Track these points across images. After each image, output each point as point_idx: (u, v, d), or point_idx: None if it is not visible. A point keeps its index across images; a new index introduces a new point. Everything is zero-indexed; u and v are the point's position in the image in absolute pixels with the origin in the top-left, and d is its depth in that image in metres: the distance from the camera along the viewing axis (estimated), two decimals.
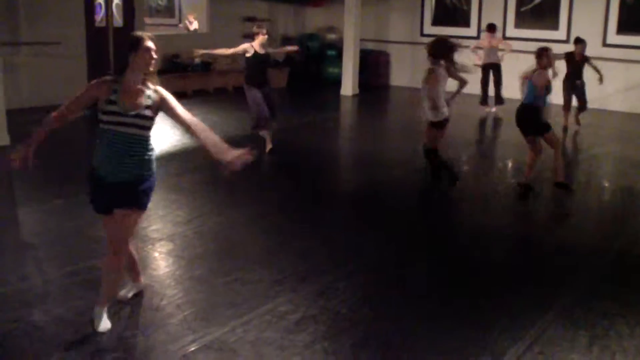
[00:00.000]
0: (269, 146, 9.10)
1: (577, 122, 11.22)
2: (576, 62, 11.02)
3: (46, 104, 11.89)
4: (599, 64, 12.54)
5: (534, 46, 13.85)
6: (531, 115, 7.27)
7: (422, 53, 15.55)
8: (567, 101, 11.17)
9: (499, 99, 12.50)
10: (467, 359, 4.07)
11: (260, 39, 8.99)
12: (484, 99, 12.70)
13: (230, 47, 9.17)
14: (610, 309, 4.79)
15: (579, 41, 11.10)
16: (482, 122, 12.32)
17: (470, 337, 4.34)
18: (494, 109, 12.51)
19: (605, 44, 13.44)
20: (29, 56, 11.91)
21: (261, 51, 9.04)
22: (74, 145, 9.87)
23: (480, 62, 12.42)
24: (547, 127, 7.30)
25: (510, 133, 10.92)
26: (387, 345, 4.25)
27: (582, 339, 4.35)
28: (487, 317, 4.64)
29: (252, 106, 9.09)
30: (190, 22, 16.11)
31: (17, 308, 4.55)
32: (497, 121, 12.23)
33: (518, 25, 14.55)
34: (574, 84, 11.02)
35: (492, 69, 12.53)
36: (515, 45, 14.45)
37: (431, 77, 7.32)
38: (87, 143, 10.20)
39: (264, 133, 9.12)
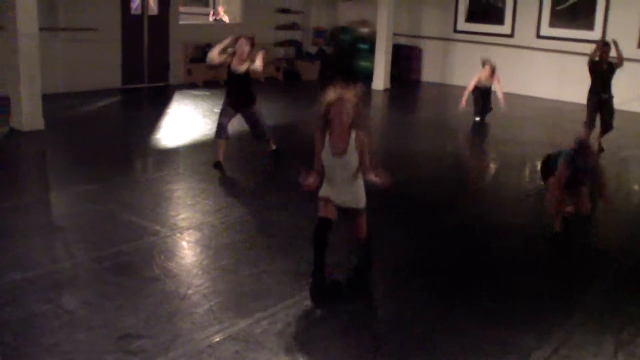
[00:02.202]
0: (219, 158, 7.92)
1: (600, 147, 9.50)
2: (602, 70, 9.57)
3: (80, 89, 12.13)
4: (635, 66, 12.36)
5: (568, 46, 13.88)
6: None
7: (455, 49, 15.62)
8: (591, 118, 9.57)
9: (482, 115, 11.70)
10: (491, 358, 4.06)
11: (239, 52, 7.70)
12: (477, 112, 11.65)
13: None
14: (637, 314, 4.75)
15: (604, 45, 9.71)
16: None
17: (495, 336, 4.33)
18: (477, 118, 11.61)
19: None
20: (65, 42, 12.05)
21: (237, 68, 7.71)
22: (106, 130, 9.99)
23: (464, 103, 11.35)
24: None
25: (532, 134, 10.82)
26: (409, 340, 4.25)
27: (608, 344, 4.31)
28: (512, 317, 4.62)
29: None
30: (218, 14, 16.15)
31: (47, 290, 4.63)
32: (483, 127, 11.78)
33: (553, 24, 14.38)
34: (599, 98, 9.54)
35: (483, 92, 11.51)
36: (550, 44, 14.34)
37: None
38: (120, 129, 10.33)
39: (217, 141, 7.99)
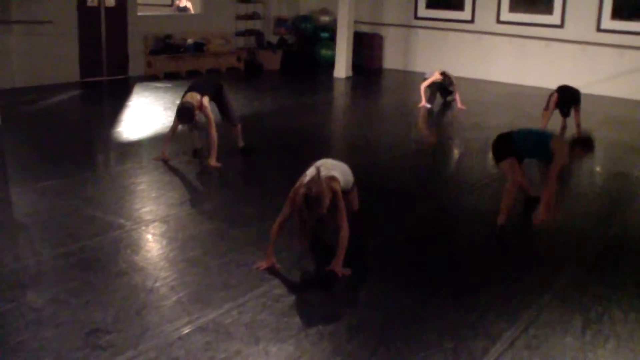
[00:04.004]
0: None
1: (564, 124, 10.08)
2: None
3: (37, 83, 11.90)
4: (595, 49, 12.48)
5: (528, 31, 14.02)
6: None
7: (417, 36, 15.66)
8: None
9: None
10: (462, 341, 4.09)
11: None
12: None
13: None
14: (604, 293, 4.82)
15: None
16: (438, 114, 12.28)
17: (466, 320, 4.36)
18: (429, 105, 11.72)
19: (599, 29, 13.43)
20: (20, 35, 11.79)
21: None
22: (66, 124, 9.82)
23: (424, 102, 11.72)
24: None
25: (493, 120, 10.91)
26: (381, 327, 4.25)
27: (577, 323, 4.38)
28: (482, 300, 4.66)
29: None
30: (180, 2, 15.97)
31: (11, 288, 4.53)
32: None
33: (512, 9, 14.51)
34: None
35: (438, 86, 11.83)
36: (510, 29, 14.48)
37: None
38: (80, 123, 10.16)
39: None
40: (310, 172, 4.99)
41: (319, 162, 5.18)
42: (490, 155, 8.76)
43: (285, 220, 5.00)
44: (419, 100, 11.85)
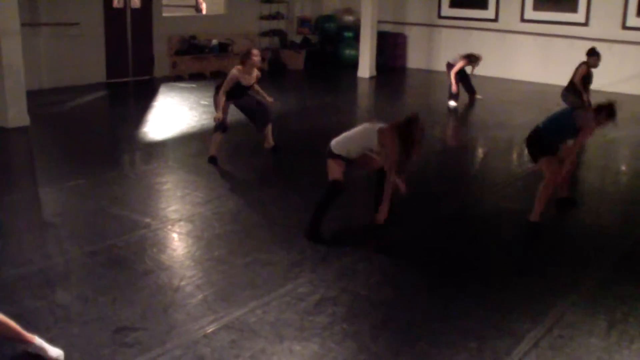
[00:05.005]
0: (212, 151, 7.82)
1: None
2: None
3: (65, 84, 12.05)
4: (621, 47, 12.36)
5: (552, 29, 13.91)
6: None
7: (440, 35, 15.61)
8: None
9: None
10: (487, 341, 4.09)
11: (249, 65, 7.64)
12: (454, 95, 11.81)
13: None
14: (629, 294, 4.79)
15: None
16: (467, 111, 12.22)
17: (490, 319, 4.36)
18: (453, 103, 11.69)
19: (624, 27, 13.29)
20: (48, 37, 11.95)
21: (245, 82, 7.69)
22: (93, 125, 9.94)
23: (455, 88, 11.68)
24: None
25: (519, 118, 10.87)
26: (406, 326, 4.27)
27: (602, 323, 4.36)
28: (506, 300, 4.65)
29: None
30: (200, 3, 16.10)
31: (41, 287, 4.62)
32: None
33: (536, 7, 14.40)
34: None
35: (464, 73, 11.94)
36: (534, 28, 14.38)
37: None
38: (106, 124, 10.28)
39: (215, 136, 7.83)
40: (368, 125, 6.09)
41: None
42: (520, 154, 8.78)
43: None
44: (445, 98, 11.82)
